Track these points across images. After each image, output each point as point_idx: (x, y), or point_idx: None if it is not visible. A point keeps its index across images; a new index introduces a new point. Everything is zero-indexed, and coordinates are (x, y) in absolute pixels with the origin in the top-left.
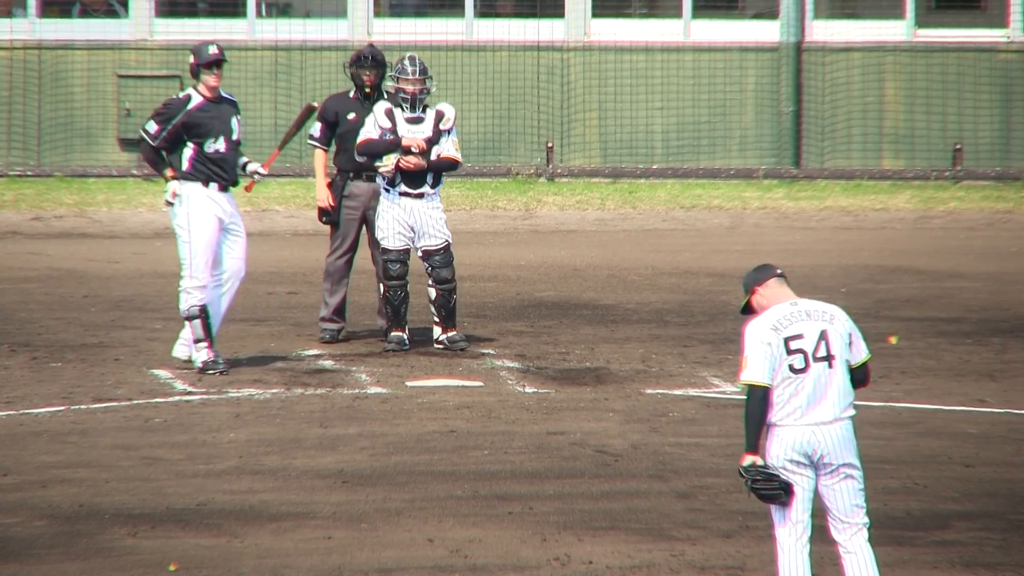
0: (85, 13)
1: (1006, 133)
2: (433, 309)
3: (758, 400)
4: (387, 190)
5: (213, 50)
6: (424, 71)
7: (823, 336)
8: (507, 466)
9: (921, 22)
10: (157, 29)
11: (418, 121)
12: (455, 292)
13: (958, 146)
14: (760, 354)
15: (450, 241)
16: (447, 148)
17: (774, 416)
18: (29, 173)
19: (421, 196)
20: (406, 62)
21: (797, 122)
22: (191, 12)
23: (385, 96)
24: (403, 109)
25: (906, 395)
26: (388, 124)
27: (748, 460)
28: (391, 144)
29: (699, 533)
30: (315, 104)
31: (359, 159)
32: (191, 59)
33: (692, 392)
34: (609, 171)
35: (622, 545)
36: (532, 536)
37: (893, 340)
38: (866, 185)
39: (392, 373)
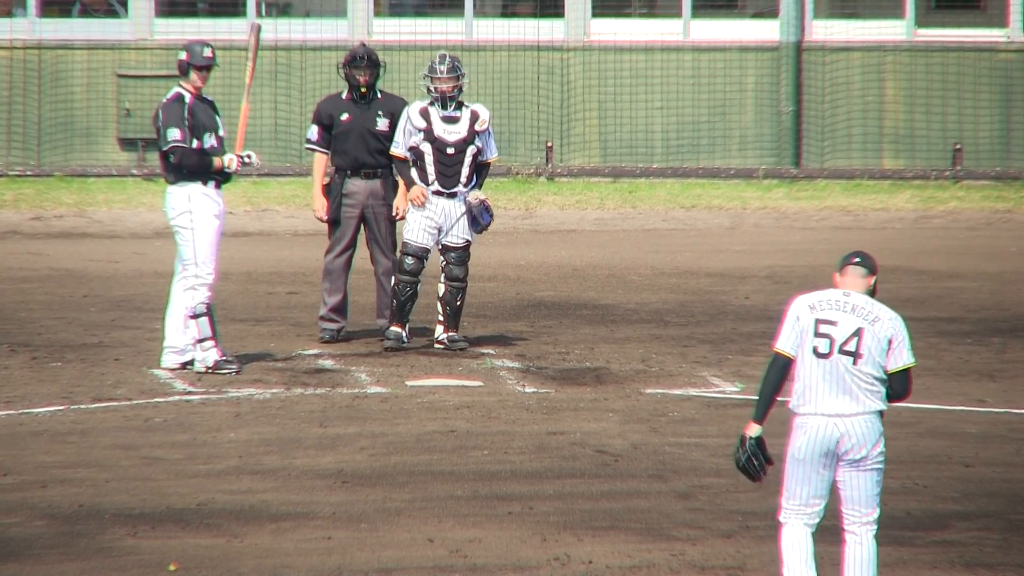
0: (85, 13)
1: (1006, 133)
2: (439, 306)
3: (778, 368)
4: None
5: (207, 53)
6: (454, 69)
7: (858, 333)
8: (507, 466)
9: (921, 22)
10: (157, 29)
11: (453, 120)
12: (464, 293)
13: (958, 146)
14: (789, 326)
15: (471, 241)
16: (491, 150)
17: (796, 402)
18: (29, 173)
19: (454, 196)
20: (438, 61)
21: (797, 122)
22: (191, 12)
23: (379, 96)
24: (441, 108)
25: None
26: (423, 124)
27: (754, 431)
28: (409, 178)
29: (699, 533)
30: (260, 23)
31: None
32: (182, 55)
33: (692, 392)
34: (609, 171)
35: (622, 545)
36: (532, 536)
37: None
38: (866, 185)
39: (392, 373)
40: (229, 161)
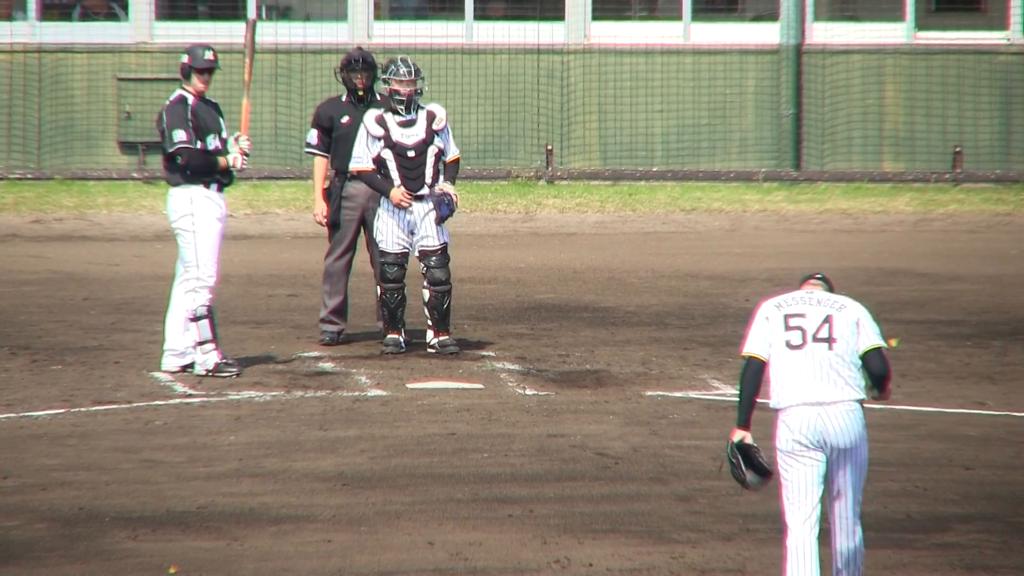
0: (86, 16)
1: (1006, 135)
2: (427, 311)
3: (752, 372)
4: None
5: (209, 56)
6: (417, 72)
7: (827, 320)
8: (507, 469)
9: (921, 24)
10: (157, 32)
11: (410, 124)
12: (449, 295)
13: (958, 148)
14: (758, 328)
15: (447, 243)
16: (451, 149)
17: (777, 398)
18: (29, 176)
19: (420, 198)
20: (398, 63)
21: (797, 124)
22: (191, 15)
23: (379, 98)
24: (398, 113)
25: (906, 398)
26: (380, 132)
27: (737, 436)
28: (384, 186)
29: (699, 536)
30: (255, 19)
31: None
32: (184, 58)
33: (692, 395)
34: (609, 173)
35: (622, 548)
36: (532, 539)
37: (893, 343)
38: (866, 188)
39: (392, 376)
40: (234, 160)
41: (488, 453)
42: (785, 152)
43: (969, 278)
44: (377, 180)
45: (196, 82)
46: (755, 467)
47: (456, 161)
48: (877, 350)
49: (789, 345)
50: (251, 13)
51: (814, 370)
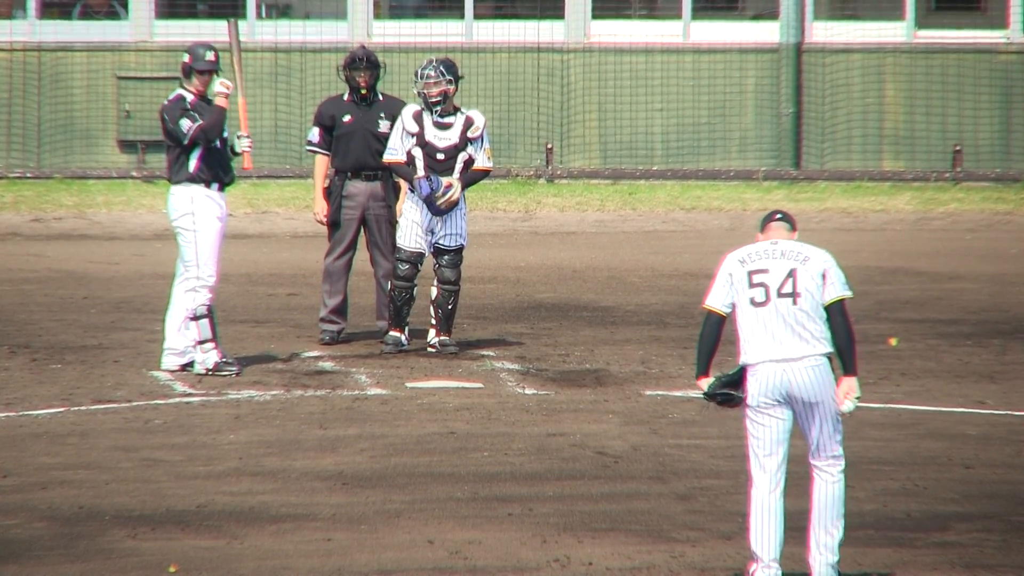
0: (86, 14)
1: (1006, 134)
2: (432, 309)
3: (711, 325)
4: (411, 190)
5: (210, 57)
6: (444, 73)
7: (791, 274)
8: (507, 468)
9: (921, 23)
10: (157, 31)
11: (446, 127)
12: (456, 296)
13: (958, 147)
14: (721, 283)
15: (464, 245)
16: (480, 159)
17: (746, 355)
18: (29, 175)
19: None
20: (426, 67)
21: (797, 123)
22: (191, 14)
23: (380, 98)
24: (432, 113)
25: (906, 397)
26: (415, 128)
27: (704, 383)
28: (411, 175)
29: (699, 535)
30: (234, 19)
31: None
32: (185, 58)
33: (692, 394)
34: (609, 172)
35: (622, 547)
36: (532, 538)
37: (893, 342)
38: (866, 186)
39: (392, 375)
40: (224, 87)
41: (488, 452)
42: (785, 151)
43: (969, 277)
44: (407, 171)
45: (196, 82)
46: (735, 383)
47: (482, 170)
48: (841, 303)
49: (753, 302)
50: (251, 13)
51: (779, 326)
